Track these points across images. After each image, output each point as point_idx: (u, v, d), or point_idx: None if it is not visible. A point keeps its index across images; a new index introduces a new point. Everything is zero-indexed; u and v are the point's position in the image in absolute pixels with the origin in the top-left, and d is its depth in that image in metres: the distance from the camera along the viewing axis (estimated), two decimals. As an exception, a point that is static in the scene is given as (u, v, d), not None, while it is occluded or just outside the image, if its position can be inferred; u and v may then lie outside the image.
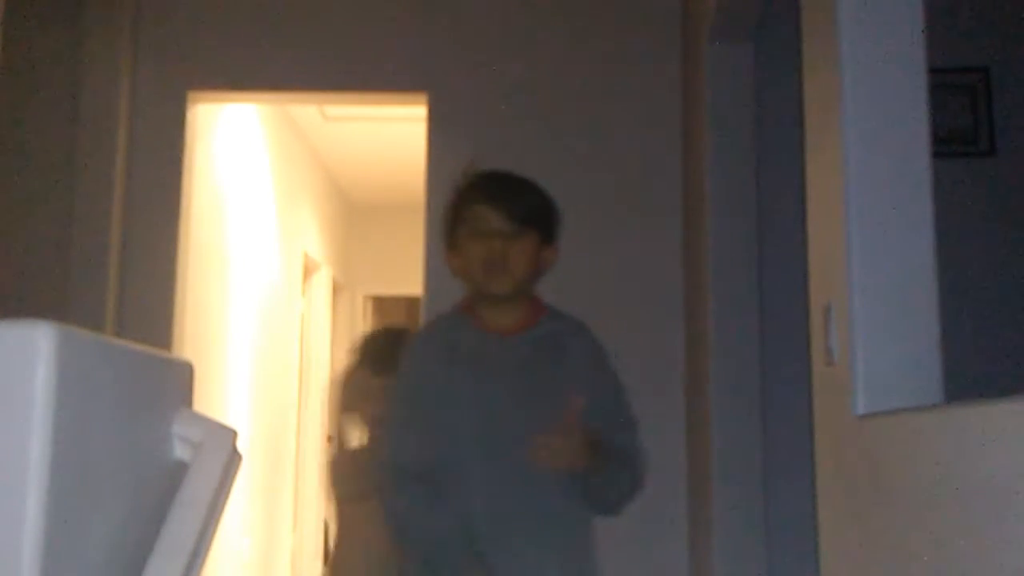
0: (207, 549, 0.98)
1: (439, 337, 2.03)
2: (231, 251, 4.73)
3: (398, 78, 3.77)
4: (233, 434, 1.05)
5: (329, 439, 2.63)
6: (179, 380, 1.07)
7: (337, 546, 2.43)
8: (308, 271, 6.70)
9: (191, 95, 3.74)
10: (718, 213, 3.16)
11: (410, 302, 8.77)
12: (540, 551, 1.89)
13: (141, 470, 0.96)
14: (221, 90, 3.87)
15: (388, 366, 2.19)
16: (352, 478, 2.37)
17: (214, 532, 0.99)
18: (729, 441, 3.06)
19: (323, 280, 7.07)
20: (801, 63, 2.03)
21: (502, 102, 3.73)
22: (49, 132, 3.49)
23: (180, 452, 1.02)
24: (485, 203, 1.96)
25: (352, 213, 7.99)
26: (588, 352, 2.01)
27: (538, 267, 1.96)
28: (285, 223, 5.82)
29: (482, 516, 1.86)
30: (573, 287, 3.63)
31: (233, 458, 1.04)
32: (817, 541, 1.90)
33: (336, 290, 7.56)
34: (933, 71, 1.81)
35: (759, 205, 3.19)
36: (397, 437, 1.95)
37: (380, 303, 8.50)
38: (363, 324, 8.15)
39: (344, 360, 2.41)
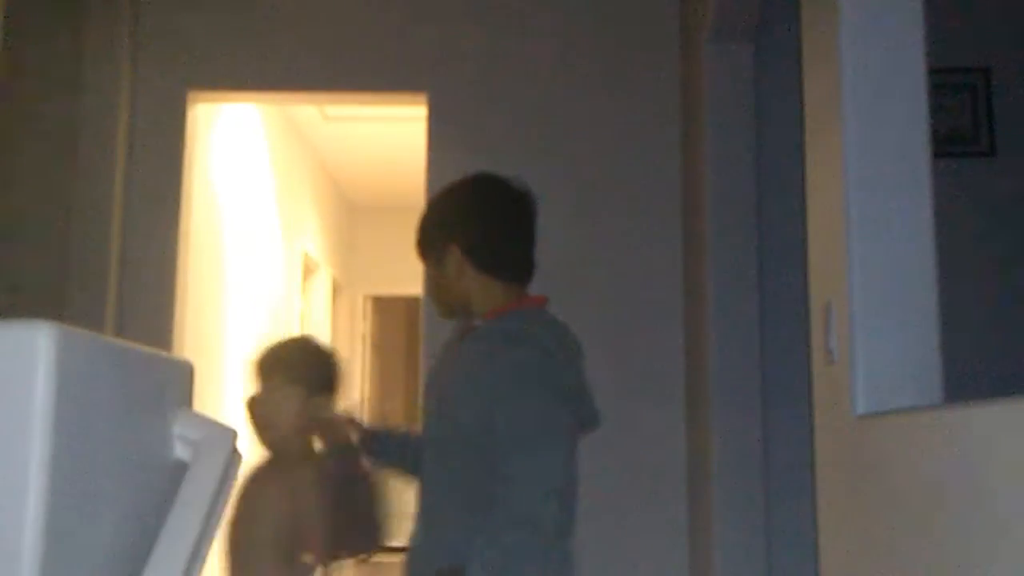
0: (207, 549, 0.98)
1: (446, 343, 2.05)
2: (231, 251, 4.73)
3: (398, 78, 3.77)
4: (233, 434, 1.05)
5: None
6: (179, 380, 1.07)
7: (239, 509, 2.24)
8: (308, 271, 6.69)
9: (191, 95, 3.75)
10: (718, 213, 3.16)
11: (410, 302, 8.77)
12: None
13: (141, 470, 0.96)
14: (221, 90, 3.87)
15: (303, 376, 2.16)
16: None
17: (214, 532, 0.99)
18: (729, 441, 3.06)
19: (323, 280, 7.07)
20: (801, 63, 2.03)
21: (502, 102, 3.73)
22: (49, 132, 3.49)
23: (180, 452, 1.02)
24: None
25: (352, 213, 7.99)
26: (481, 360, 1.76)
27: (443, 280, 1.87)
28: (285, 223, 5.82)
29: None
30: (573, 287, 3.64)
31: (233, 458, 1.04)
32: (817, 541, 1.90)
33: (336, 290, 7.55)
34: (933, 71, 1.81)
35: (759, 205, 3.20)
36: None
37: (380, 303, 8.50)
38: (363, 324, 8.16)
39: (255, 375, 2.21)
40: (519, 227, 1.88)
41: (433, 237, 1.89)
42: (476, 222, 1.87)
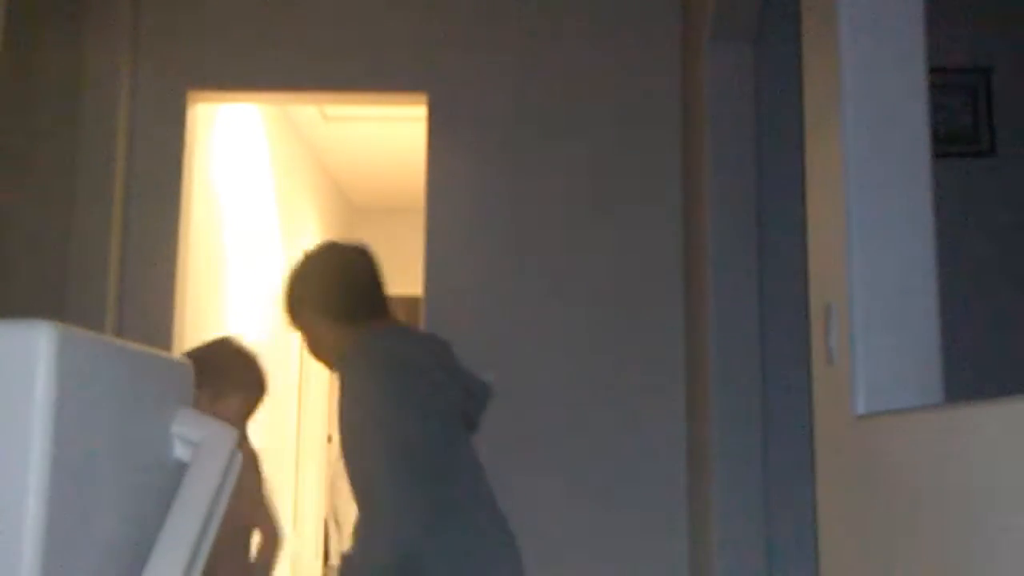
0: (207, 549, 0.98)
1: None
2: (231, 251, 4.73)
3: (398, 78, 3.77)
4: (233, 434, 1.05)
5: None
6: (179, 380, 1.07)
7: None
8: (308, 271, 6.67)
9: (191, 95, 3.75)
10: (718, 213, 3.16)
11: (410, 302, 8.76)
12: None
13: (141, 470, 0.96)
14: (221, 90, 3.86)
15: (239, 380, 2.36)
16: None
17: (214, 532, 0.99)
18: (729, 441, 3.06)
19: (323, 280, 7.05)
20: (801, 63, 2.03)
21: (502, 102, 3.73)
22: (49, 132, 3.49)
23: (180, 452, 1.02)
24: None
25: (352, 213, 7.99)
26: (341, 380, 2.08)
27: (309, 337, 2.22)
28: (285, 223, 5.82)
29: None
30: (573, 287, 3.64)
31: (233, 458, 1.04)
32: (817, 541, 1.90)
33: (336, 290, 7.54)
34: (933, 71, 1.81)
35: (759, 205, 3.19)
36: None
37: (380, 303, 8.49)
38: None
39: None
40: (354, 277, 2.22)
41: (294, 310, 2.23)
42: (318, 286, 2.21)
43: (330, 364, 2.21)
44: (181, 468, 1.00)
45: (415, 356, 2.11)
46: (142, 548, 0.92)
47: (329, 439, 7.26)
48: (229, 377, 2.30)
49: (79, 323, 0.89)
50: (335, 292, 2.18)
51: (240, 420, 2.31)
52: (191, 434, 1.02)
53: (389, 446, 1.92)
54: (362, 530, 1.91)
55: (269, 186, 5.47)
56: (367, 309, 2.18)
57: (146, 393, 0.99)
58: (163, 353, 1.08)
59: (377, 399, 1.97)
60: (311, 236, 6.59)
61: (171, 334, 3.57)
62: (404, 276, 7.35)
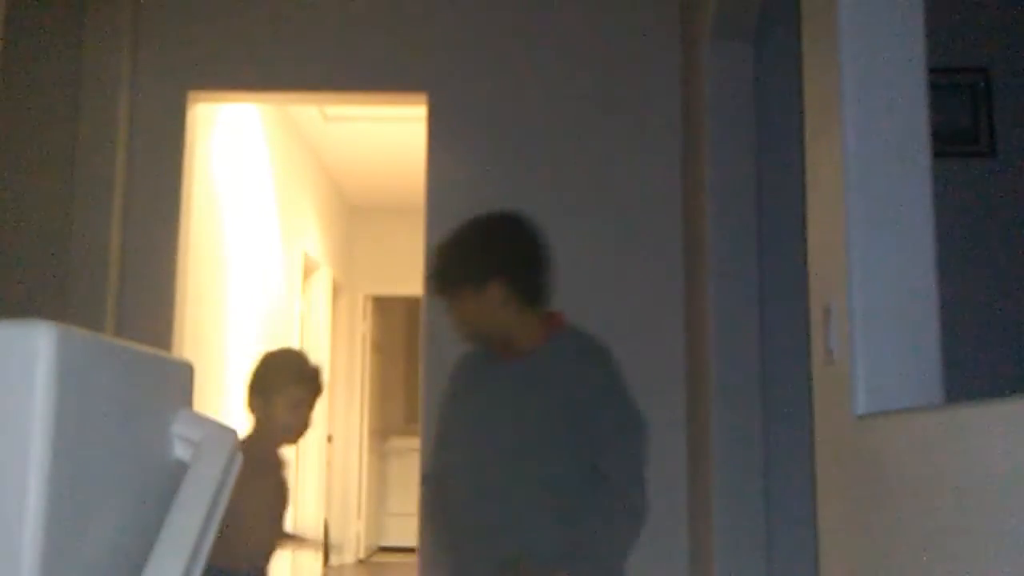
0: (207, 549, 0.98)
1: (468, 362, 2.20)
2: (231, 251, 4.73)
3: (398, 78, 3.77)
4: (233, 434, 1.05)
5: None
6: (179, 380, 1.07)
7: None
8: (308, 271, 6.69)
9: (191, 95, 3.74)
10: (718, 213, 3.16)
11: (410, 302, 8.77)
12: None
13: (141, 470, 0.96)
14: (221, 90, 3.87)
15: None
16: None
17: (214, 532, 0.99)
18: (729, 441, 3.06)
19: (323, 280, 7.07)
20: (801, 63, 2.03)
21: (502, 102, 3.73)
22: (49, 132, 3.49)
23: (180, 452, 1.02)
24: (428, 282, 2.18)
25: (352, 213, 7.99)
26: (576, 372, 2.03)
27: (485, 310, 2.03)
28: (285, 223, 5.82)
29: (472, 522, 2.04)
30: (574, 288, 3.64)
31: (233, 458, 1.04)
32: (817, 541, 1.90)
33: (336, 290, 7.55)
34: (933, 71, 1.81)
35: (759, 205, 3.19)
36: (431, 449, 2.19)
37: (380, 303, 8.51)
38: (363, 324, 8.17)
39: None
40: (546, 261, 2.08)
41: (471, 272, 2.03)
42: (518, 260, 2.04)
43: (483, 340, 2.08)
44: (181, 468, 1.00)
45: None
46: (142, 548, 0.92)
47: (329, 439, 7.26)
48: (280, 376, 2.44)
49: (79, 323, 0.89)
50: (529, 269, 2.04)
51: (296, 415, 2.41)
52: (191, 434, 1.02)
53: (645, 446, 2.02)
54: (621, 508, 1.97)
55: (269, 186, 5.47)
56: (548, 297, 2.07)
57: (146, 393, 0.99)
58: (163, 353, 1.08)
59: (631, 398, 2.04)
60: (311, 236, 6.59)
61: (171, 334, 3.57)
62: (404, 276, 7.35)
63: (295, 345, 6.11)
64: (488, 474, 2.01)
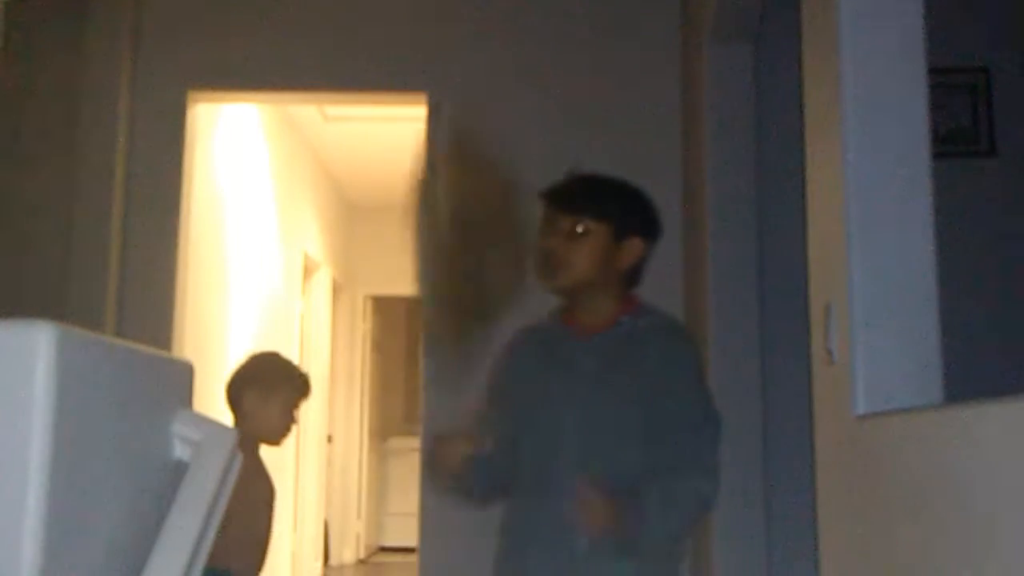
0: (207, 549, 0.98)
1: (534, 337, 2.04)
2: (231, 251, 4.73)
3: (398, 78, 3.77)
4: (233, 434, 1.05)
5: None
6: (179, 380, 1.07)
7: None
8: (308, 271, 6.69)
9: (191, 95, 3.74)
10: (718, 213, 3.16)
11: (410, 302, 8.75)
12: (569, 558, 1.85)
13: (141, 470, 0.96)
14: (221, 90, 3.87)
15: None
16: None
17: (214, 532, 0.99)
18: (729, 442, 3.05)
19: (323, 280, 7.07)
20: (801, 63, 2.03)
21: (502, 102, 3.73)
22: (49, 132, 3.49)
23: (180, 452, 1.02)
24: (547, 201, 2.02)
25: (352, 213, 7.99)
26: (663, 355, 1.91)
27: (613, 263, 1.93)
28: (285, 223, 5.82)
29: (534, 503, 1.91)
30: (573, 287, 3.64)
31: (233, 458, 1.04)
32: (817, 541, 1.90)
33: (336, 290, 7.55)
34: (933, 71, 1.81)
35: (759, 205, 3.19)
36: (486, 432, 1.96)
37: (380, 303, 8.50)
38: (363, 324, 8.17)
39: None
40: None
41: (626, 211, 1.99)
42: (657, 236, 2.03)
43: (575, 288, 1.95)
44: (181, 468, 1.00)
45: None
46: (142, 548, 0.92)
47: (329, 439, 7.26)
48: (273, 378, 2.46)
49: (79, 323, 0.89)
50: (653, 249, 2.00)
51: (286, 416, 2.45)
52: (191, 434, 1.02)
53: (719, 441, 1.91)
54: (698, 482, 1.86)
55: (269, 186, 5.47)
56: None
57: (146, 393, 0.99)
58: (163, 353, 1.08)
59: (709, 389, 1.97)
60: (311, 236, 6.59)
61: (171, 334, 3.57)
62: (404, 276, 7.34)
63: (288, 346, 6.11)
64: (553, 459, 1.89)
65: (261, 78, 3.79)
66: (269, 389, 2.40)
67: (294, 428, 2.51)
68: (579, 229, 1.93)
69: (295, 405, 2.46)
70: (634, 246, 1.95)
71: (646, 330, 1.94)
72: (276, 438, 2.48)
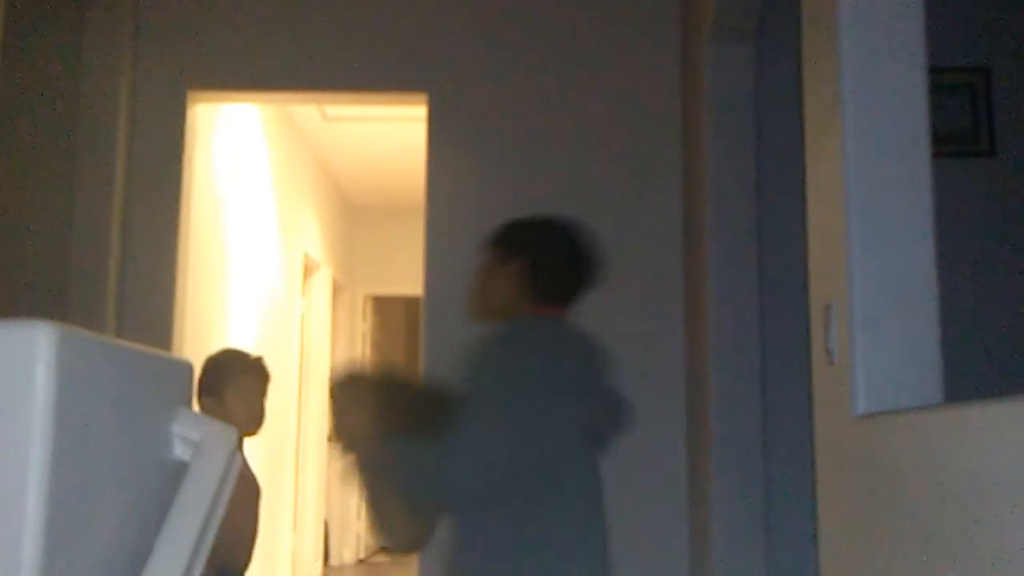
0: (207, 549, 0.98)
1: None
2: (231, 251, 4.73)
3: (398, 78, 3.77)
4: (233, 434, 1.05)
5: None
6: (179, 380, 1.07)
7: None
8: (308, 271, 6.69)
9: (191, 95, 3.75)
10: (718, 213, 3.17)
11: (410, 302, 8.77)
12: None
13: (141, 470, 0.96)
14: (221, 90, 3.87)
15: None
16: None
17: (214, 532, 0.99)
18: (729, 441, 3.06)
19: (323, 280, 7.07)
20: (801, 63, 2.03)
21: (502, 102, 3.73)
22: (49, 132, 3.49)
23: (180, 452, 1.02)
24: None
25: (352, 213, 7.99)
26: (476, 353, 1.90)
27: (500, 288, 2.03)
28: (285, 223, 5.82)
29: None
30: (573, 287, 3.64)
31: (233, 458, 1.04)
32: (817, 541, 1.90)
33: (336, 290, 7.56)
34: (933, 71, 1.81)
35: (759, 205, 3.20)
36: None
37: (380, 303, 8.51)
38: (363, 324, 8.17)
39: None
40: (581, 273, 2.12)
41: (506, 242, 2.08)
42: (552, 256, 2.09)
43: (480, 315, 2.05)
44: (181, 468, 1.00)
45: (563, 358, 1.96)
46: (142, 548, 0.92)
47: (329, 439, 7.26)
48: (226, 372, 2.52)
49: (79, 323, 0.89)
50: (552, 272, 2.06)
51: (252, 403, 2.52)
52: (191, 434, 1.02)
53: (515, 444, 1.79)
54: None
55: (269, 186, 5.47)
56: (563, 299, 2.07)
57: (146, 393, 0.99)
58: (163, 353, 1.08)
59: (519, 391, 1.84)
60: (311, 236, 6.59)
61: (171, 334, 3.57)
62: (404, 276, 7.35)
63: (288, 346, 6.12)
64: None
65: (261, 78, 3.79)
66: (222, 386, 2.48)
67: (265, 414, 2.59)
68: (475, 268, 2.08)
69: (257, 392, 2.55)
70: (513, 267, 2.03)
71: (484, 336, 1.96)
72: (256, 427, 2.55)
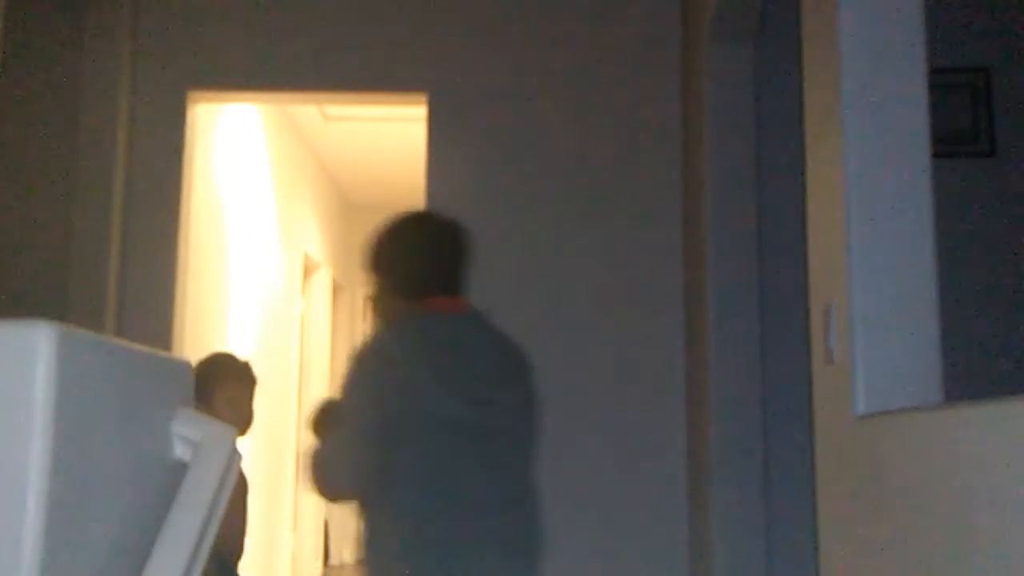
0: (207, 549, 0.98)
1: None
2: (231, 251, 4.73)
3: (398, 78, 3.77)
4: (233, 434, 1.05)
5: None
6: (179, 380, 1.07)
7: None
8: (308, 271, 6.69)
9: (191, 95, 3.75)
10: (718, 213, 3.17)
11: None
12: None
13: (141, 470, 0.96)
14: (221, 90, 3.87)
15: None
16: None
17: (214, 532, 0.99)
18: (729, 441, 3.06)
19: (323, 280, 7.07)
20: (801, 63, 2.03)
21: (502, 102, 3.73)
22: (49, 132, 3.49)
23: (180, 452, 1.02)
24: None
25: (352, 213, 7.99)
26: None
27: (377, 302, 2.19)
28: (285, 223, 5.82)
29: None
30: (574, 288, 3.64)
31: (233, 458, 1.04)
32: (817, 541, 1.90)
33: (336, 290, 7.55)
34: (933, 71, 1.81)
35: (759, 205, 3.20)
36: None
37: (380, 303, 8.49)
38: (363, 324, 8.17)
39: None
40: (433, 254, 2.20)
41: (372, 269, 2.21)
42: (399, 255, 2.21)
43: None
44: (181, 468, 1.00)
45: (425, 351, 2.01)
46: (142, 548, 0.92)
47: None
48: (214, 378, 2.56)
49: (79, 323, 0.89)
50: (409, 265, 2.16)
51: (240, 408, 2.56)
52: (191, 434, 1.02)
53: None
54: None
55: (269, 186, 5.47)
56: (431, 288, 2.13)
57: (146, 393, 0.99)
58: (163, 353, 1.08)
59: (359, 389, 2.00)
60: (311, 236, 6.59)
61: (171, 334, 3.57)
62: (404, 276, 7.34)
63: (288, 346, 6.12)
64: None
65: (261, 78, 3.79)
66: (210, 392, 2.51)
67: (253, 418, 2.65)
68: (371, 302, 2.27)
69: (245, 398, 2.60)
70: (387, 282, 2.18)
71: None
72: (247, 428, 2.60)
